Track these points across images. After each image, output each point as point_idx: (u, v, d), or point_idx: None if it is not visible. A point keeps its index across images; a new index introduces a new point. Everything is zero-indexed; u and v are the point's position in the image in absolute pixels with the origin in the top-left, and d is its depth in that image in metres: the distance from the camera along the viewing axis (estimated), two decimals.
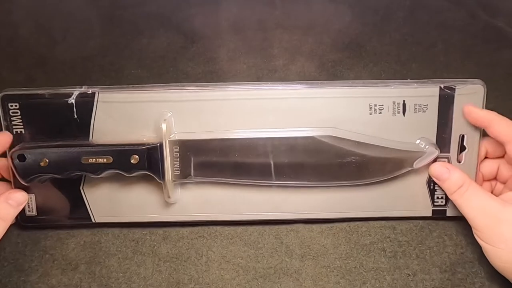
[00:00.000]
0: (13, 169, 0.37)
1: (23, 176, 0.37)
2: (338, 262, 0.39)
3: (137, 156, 0.36)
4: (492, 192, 0.40)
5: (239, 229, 0.41)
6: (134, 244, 0.40)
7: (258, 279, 0.38)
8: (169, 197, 0.38)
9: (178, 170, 0.38)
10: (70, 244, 0.40)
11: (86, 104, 0.38)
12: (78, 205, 0.40)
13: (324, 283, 0.38)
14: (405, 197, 0.40)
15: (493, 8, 0.48)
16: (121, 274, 0.39)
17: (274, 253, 0.40)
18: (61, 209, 0.40)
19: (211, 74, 0.45)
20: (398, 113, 0.38)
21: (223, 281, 0.38)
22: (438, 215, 0.40)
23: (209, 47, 0.47)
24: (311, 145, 0.37)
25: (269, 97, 0.38)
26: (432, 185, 0.40)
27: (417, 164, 0.38)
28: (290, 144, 0.37)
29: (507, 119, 0.37)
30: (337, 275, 0.38)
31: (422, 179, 0.40)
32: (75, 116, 0.38)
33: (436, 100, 0.38)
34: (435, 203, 0.40)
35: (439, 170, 0.37)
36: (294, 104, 0.38)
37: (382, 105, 0.38)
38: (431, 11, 0.48)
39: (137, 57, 0.46)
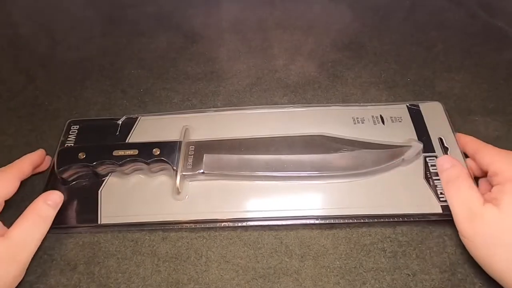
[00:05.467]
0: (55, 160, 0.41)
1: (61, 165, 0.41)
2: (338, 262, 0.39)
3: (158, 149, 0.42)
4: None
5: (239, 229, 0.41)
6: (133, 244, 0.40)
7: (258, 279, 0.38)
8: (178, 193, 0.40)
9: (190, 165, 0.41)
10: (68, 245, 0.40)
11: (129, 123, 0.46)
12: (91, 207, 0.41)
13: (324, 283, 0.38)
14: (412, 195, 0.40)
15: (493, 8, 0.48)
16: (120, 274, 0.39)
17: (273, 253, 0.39)
18: (73, 211, 0.41)
19: (211, 74, 0.45)
20: (378, 123, 0.44)
21: (222, 281, 0.38)
22: (449, 211, 0.40)
23: (209, 47, 0.47)
24: (308, 141, 0.42)
25: (269, 111, 0.46)
26: (431, 182, 0.40)
27: (407, 156, 0.41)
28: (289, 141, 0.42)
29: (490, 146, 0.39)
30: (337, 275, 0.38)
31: (423, 180, 0.40)
32: (117, 133, 0.45)
33: (407, 113, 0.45)
34: (441, 199, 0.40)
35: (444, 160, 0.39)
36: (290, 116, 0.46)
37: (363, 118, 0.45)
38: (431, 11, 0.48)
39: (137, 57, 0.46)
